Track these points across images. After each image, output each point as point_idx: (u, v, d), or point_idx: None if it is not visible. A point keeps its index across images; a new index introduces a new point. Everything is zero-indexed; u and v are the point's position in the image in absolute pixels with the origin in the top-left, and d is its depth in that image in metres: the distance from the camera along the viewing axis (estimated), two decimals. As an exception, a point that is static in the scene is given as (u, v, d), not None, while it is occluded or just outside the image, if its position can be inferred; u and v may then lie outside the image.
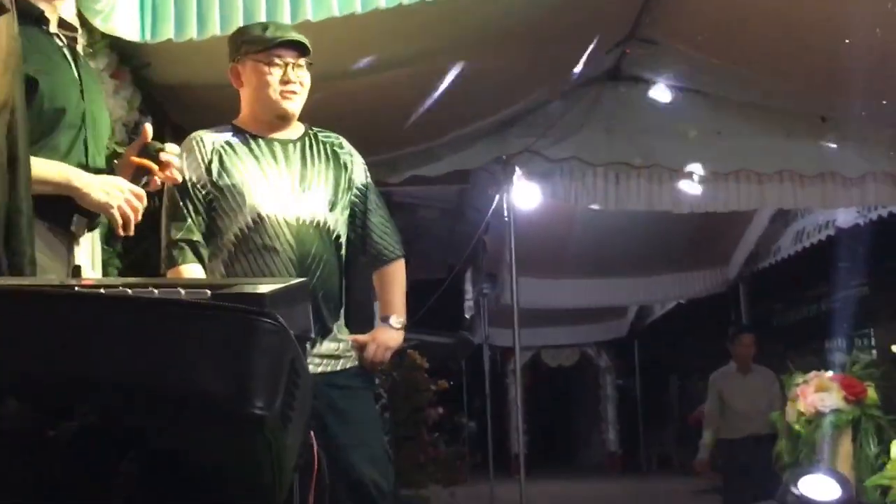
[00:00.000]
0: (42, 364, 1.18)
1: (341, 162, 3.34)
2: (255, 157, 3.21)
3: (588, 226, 10.08)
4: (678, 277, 12.56)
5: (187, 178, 3.12)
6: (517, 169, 7.40)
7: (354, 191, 3.37)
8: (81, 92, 2.63)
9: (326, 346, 3.20)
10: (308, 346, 3.02)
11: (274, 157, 3.23)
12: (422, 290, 15.22)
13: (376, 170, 7.21)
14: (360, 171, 3.41)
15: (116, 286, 1.28)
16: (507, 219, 7.90)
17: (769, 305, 14.67)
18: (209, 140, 3.22)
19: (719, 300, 12.95)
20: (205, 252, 3.15)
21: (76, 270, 1.61)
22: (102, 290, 1.24)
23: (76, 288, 1.27)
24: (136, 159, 2.66)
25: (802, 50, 5.95)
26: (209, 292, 1.23)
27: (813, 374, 5.92)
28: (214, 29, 4.10)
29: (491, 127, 7.20)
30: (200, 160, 3.17)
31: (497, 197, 8.29)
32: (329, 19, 4.11)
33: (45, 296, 1.27)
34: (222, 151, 3.19)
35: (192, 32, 4.09)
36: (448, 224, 11.81)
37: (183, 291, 1.23)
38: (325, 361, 3.18)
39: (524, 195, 7.78)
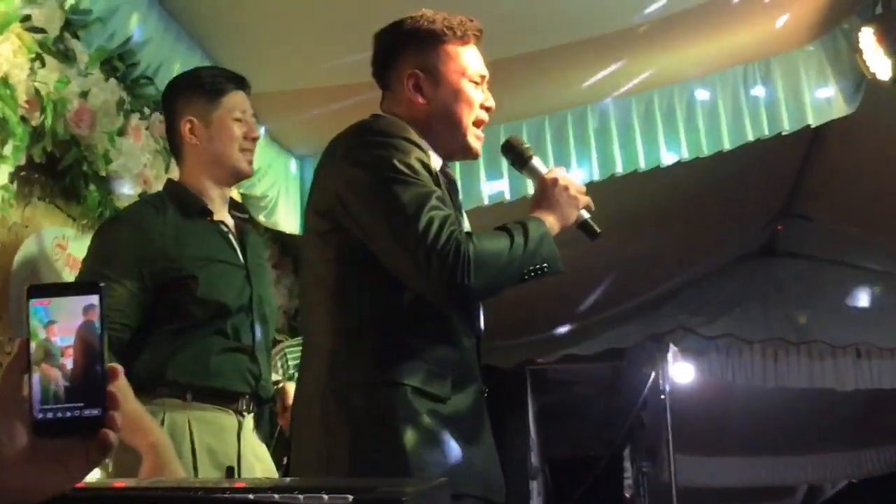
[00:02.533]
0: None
1: None
2: None
3: (749, 401, 9.80)
4: (848, 456, 12.00)
5: None
6: (671, 346, 7.34)
7: None
8: (248, 277, 2.75)
9: None
10: None
11: None
12: (579, 469, 14.98)
13: (530, 349, 7.35)
14: None
15: (265, 490, 1.34)
16: (663, 396, 7.81)
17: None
18: None
19: (892, 480, 12.32)
20: None
21: (229, 472, 1.69)
22: (251, 497, 1.30)
23: (226, 494, 1.34)
24: None
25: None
26: (351, 497, 1.28)
27: None
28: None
29: (644, 305, 7.19)
30: None
31: (653, 374, 8.22)
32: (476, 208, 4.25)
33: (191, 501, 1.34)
34: None
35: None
36: (604, 401, 11.70)
37: (326, 497, 1.28)
38: None
39: (680, 372, 7.70)
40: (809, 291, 7.21)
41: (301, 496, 1.31)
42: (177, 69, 3.36)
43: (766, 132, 4.38)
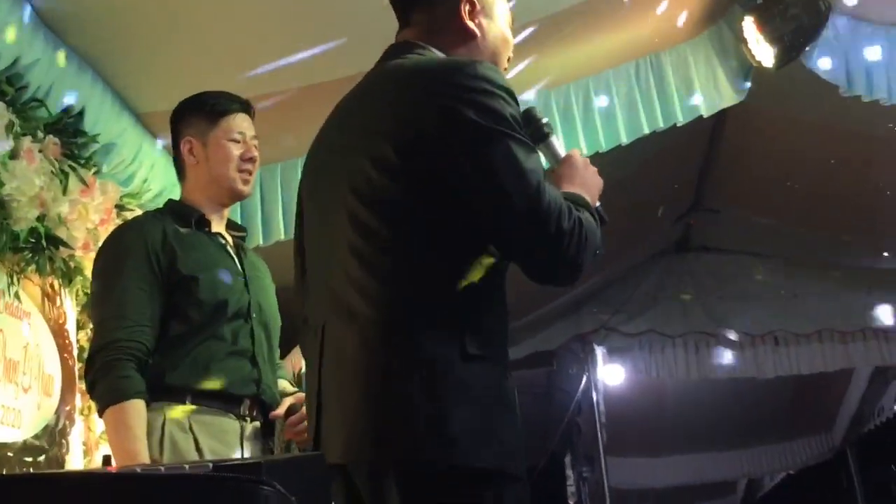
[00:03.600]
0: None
1: None
2: None
3: (681, 399, 9.96)
4: (783, 448, 12.18)
5: None
6: (595, 347, 7.44)
7: None
8: (246, 285, 2.80)
9: None
10: None
11: None
12: (521, 479, 15.02)
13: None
14: None
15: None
16: (593, 397, 7.89)
17: (884, 469, 14.09)
18: None
19: (829, 467, 12.52)
20: None
21: (106, 459, 1.71)
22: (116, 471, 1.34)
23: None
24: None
25: (868, 201, 5.98)
26: (211, 465, 1.32)
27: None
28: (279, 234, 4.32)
29: (566, 307, 7.28)
30: None
31: (584, 377, 8.30)
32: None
33: (68, 480, 1.38)
34: None
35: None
36: (542, 408, 11.75)
37: (187, 466, 1.33)
38: None
39: (608, 372, 7.79)
40: (724, 283, 7.35)
41: (162, 468, 1.35)
42: (68, 90, 3.38)
43: (661, 124, 4.48)
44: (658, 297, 7.38)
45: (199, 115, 2.88)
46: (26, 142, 3.19)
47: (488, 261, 1.87)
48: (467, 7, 2.06)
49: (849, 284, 7.40)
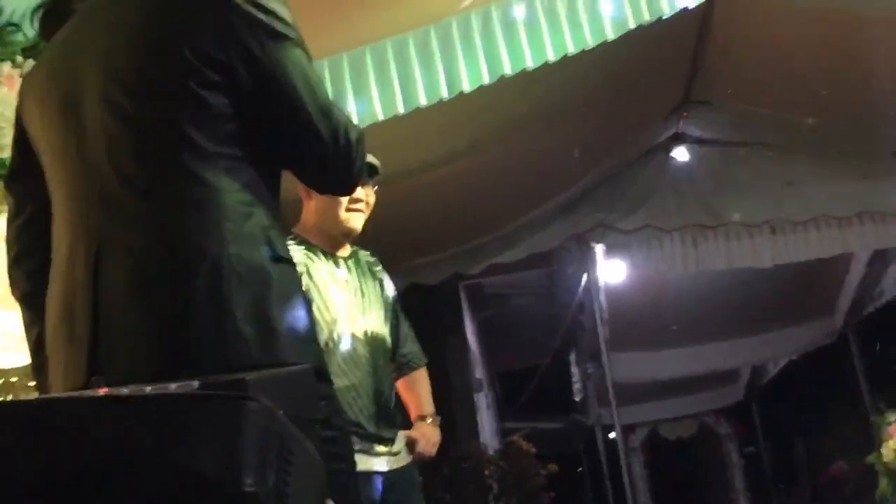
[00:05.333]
0: (57, 463, 1.30)
1: (377, 278, 3.58)
2: (330, 273, 3.38)
3: (682, 292, 10.02)
4: (785, 334, 12.30)
5: None
6: (593, 244, 7.46)
7: (389, 304, 3.58)
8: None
9: (396, 446, 3.35)
10: (376, 444, 3.20)
11: (341, 272, 3.41)
12: (526, 378, 15.21)
13: (455, 263, 7.41)
14: (390, 286, 3.64)
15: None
16: (593, 295, 7.95)
17: (884, 351, 14.26)
18: (297, 253, 3.30)
19: (831, 351, 12.66)
20: None
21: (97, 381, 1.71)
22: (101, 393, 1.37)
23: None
24: None
25: (860, 85, 5.94)
26: (196, 383, 1.34)
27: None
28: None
29: (562, 206, 7.28)
30: None
31: (585, 275, 8.35)
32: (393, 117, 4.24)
33: (61, 403, 1.41)
34: (308, 264, 3.34)
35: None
36: (544, 308, 11.85)
37: (173, 385, 1.35)
38: (393, 458, 3.32)
39: (608, 269, 7.84)
40: (719, 174, 7.34)
41: (149, 387, 1.37)
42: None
43: (647, 17, 4.42)
44: (653, 192, 7.38)
45: None
46: (6, 67, 3.16)
47: (276, 166, 1.87)
48: None
49: (843, 170, 7.38)
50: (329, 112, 1.81)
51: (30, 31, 3.30)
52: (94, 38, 1.86)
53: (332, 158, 1.83)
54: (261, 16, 1.76)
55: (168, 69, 1.74)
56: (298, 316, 1.72)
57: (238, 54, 1.74)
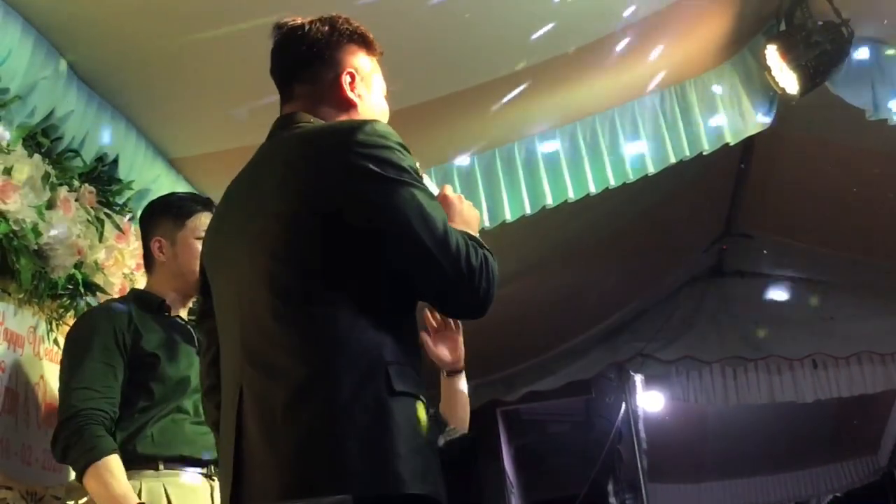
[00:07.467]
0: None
1: None
2: None
3: (723, 424, 9.88)
4: (827, 470, 12.00)
5: None
6: (632, 374, 7.42)
7: None
8: None
9: None
10: None
11: None
12: (563, 508, 14.87)
13: (493, 389, 7.39)
14: None
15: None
16: (632, 425, 7.87)
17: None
18: None
19: (877, 489, 12.35)
20: None
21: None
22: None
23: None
24: None
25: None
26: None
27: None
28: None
29: (601, 335, 7.28)
30: None
31: (623, 404, 8.28)
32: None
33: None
34: None
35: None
36: (581, 436, 11.70)
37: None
38: None
39: (647, 399, 7.78)
40: (759, 307, 7.32)
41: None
42: (102, 139, 3.46)
43: (688, 153, 4.49)
44: (693, 323, 7.36)
45: (166, 216, 3.14)
46: (62, 191, 3.27)
47: (403, 304, 2.00)
48: (348, 79, 2.19)
49: (885, 306, 7.33)
50: (446, 244, 1.90)
51: (88, 155, 3.42)
52: (241, 210, 2.11)
53: (457, 287, 1.93)
54: (373, 167, 1.91)
55: (296, 224, 1.94)
56: (413, 449, 1.82)
57: (355, 201, 1.91)
